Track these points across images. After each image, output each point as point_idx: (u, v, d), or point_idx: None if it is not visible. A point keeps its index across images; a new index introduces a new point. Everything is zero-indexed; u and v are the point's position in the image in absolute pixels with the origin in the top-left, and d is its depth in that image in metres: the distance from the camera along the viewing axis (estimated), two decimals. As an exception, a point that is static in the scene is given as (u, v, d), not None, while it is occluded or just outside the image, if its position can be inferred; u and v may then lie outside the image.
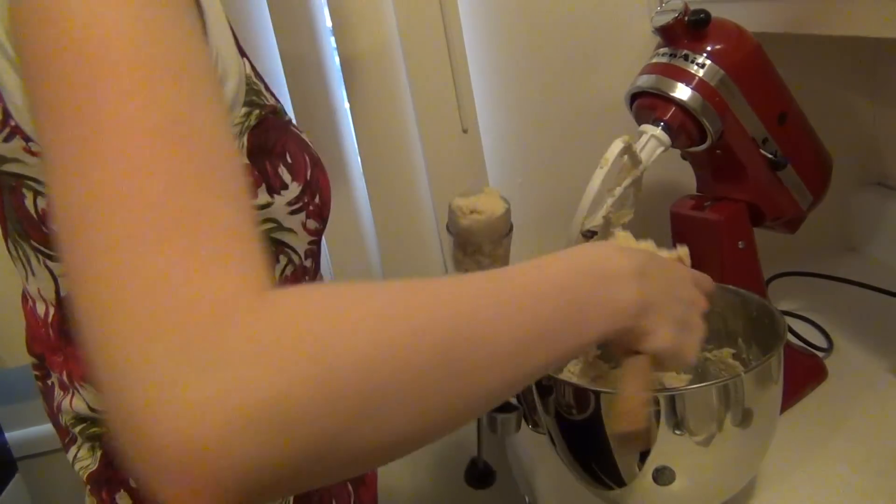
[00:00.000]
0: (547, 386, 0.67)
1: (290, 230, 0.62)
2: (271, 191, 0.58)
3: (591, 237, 0.76)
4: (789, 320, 0.96)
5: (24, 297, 0.62)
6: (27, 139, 0.50)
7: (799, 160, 0.83)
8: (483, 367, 0.39)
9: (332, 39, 1.07)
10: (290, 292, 0.35)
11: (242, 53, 0.59)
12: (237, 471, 0.30)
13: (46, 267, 0.57)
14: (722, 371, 0.75)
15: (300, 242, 0.64)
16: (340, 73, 1.08)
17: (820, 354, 0.91)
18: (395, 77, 1.07)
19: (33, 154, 0.51)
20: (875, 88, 1.16)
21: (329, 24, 1.07)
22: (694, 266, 0.86)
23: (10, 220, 0.57)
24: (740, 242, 0.83)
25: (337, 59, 1.09)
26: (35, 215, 0.54)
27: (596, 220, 0.74)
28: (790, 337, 0.92)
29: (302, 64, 1.06)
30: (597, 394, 0.62)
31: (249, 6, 1.06)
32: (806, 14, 0.74)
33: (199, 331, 0.31)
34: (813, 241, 1.05)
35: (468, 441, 0.74)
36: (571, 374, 0.76)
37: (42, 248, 0.56)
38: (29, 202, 0.54)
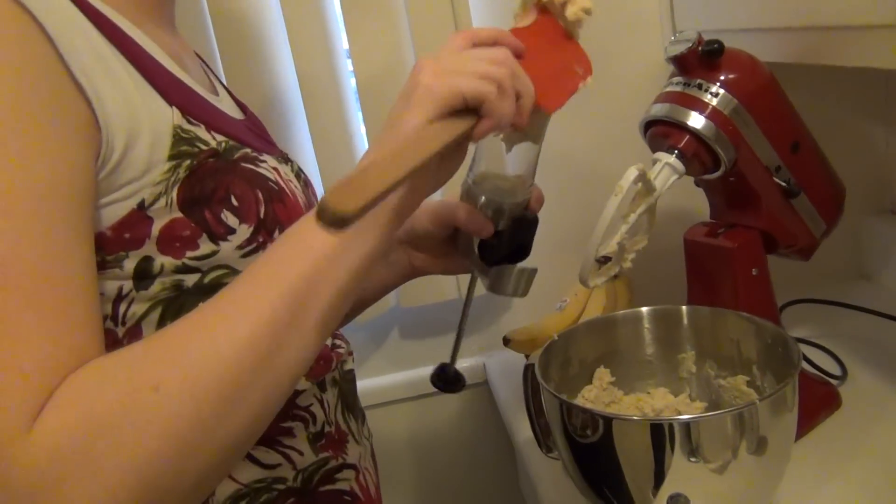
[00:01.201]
0: (561, 411, 0.67)
1: None
2: (215, 238, 0.56)
3: (606, 263, 0.77)
4: (803, 347, 0.96)
5: None
6: None
7: (812, 188, 0.83)
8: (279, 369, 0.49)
9: (349, 62, 1.09)
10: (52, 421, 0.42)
11: (171, 101, 0.57)
12: None
13: None
14: (736, 399, 0.76)
15: None
16: (357, 95, 1.10)
17: (834, 382, 0.90)
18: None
19: None
20: (888, 117, 1.17)
21: (346, 46, 1.09)
22: (708, 293, 0.87)
23: None
24: (754, 269, 0.83)
25: (353, 81, 1.10)
26: None
27: (611, 247, 0.75)
28: (804, 364, 0.92)
29: (319, 86, 1.08)
30: (609, 419, 0.62)
31: (267, 28, 1.08)
32: (817, 45, 0.75)
33: None
34: (826, 269, 1.06)
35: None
36: (585, 399, 0.76)
37: None
38: None
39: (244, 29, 1.06)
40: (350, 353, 0.75)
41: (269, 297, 0.49)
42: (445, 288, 1.16)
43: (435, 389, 0.69)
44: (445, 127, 0.53)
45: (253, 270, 0.51)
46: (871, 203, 1.20)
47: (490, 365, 1.21)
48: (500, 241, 0.67)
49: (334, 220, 0.43)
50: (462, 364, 1.21)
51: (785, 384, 0.63)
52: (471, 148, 0.61)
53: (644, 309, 0.82)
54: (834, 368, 0.94)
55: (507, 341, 1.07)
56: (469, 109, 0.54)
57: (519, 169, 0.69)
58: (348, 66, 1.10)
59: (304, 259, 0.51)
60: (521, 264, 0.68)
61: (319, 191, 1.04)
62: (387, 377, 1.24)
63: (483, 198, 0.66)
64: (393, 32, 1.07)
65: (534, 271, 0.68)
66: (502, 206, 0.66)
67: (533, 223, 0.69)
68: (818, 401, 0.85)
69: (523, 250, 0.69)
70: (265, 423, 0.50)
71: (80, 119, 0.48)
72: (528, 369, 0.74)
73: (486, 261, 0.68)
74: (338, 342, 0.73)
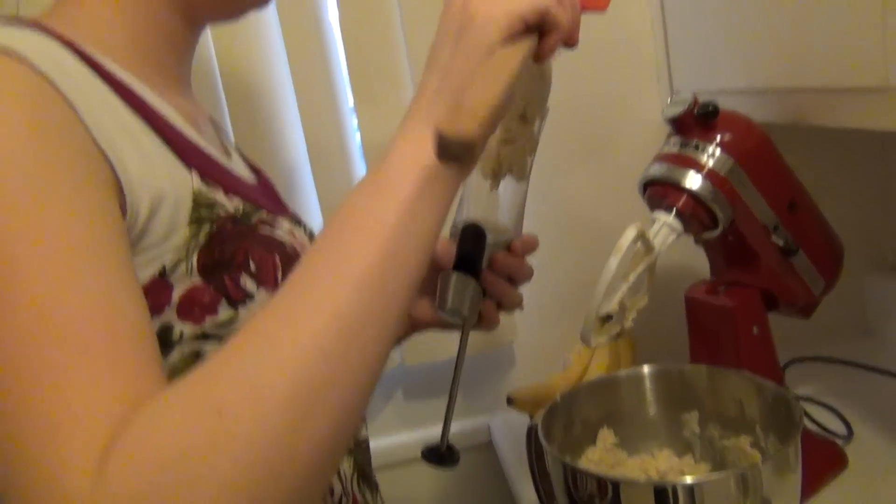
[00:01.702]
0: (565, 473, 0.67)
1: None
2: (234, 304, 0.56)
3: (608, 321, 0.77)
4: (807, 406, 0.95)
5: None
6: None
7: (810, 247, 0.84)
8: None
9: (355, 120, 1.11)
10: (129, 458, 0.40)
11: (190, 165, 0.57)
12: None
13: None
14: (740, 459, 0.75)
15: None
16: (362, 154, 1.12)
17: (839, 441, 0.90)
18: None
19: None
20: (884, 173, 1.18)
21: (351, 103, 1.12)
22: (710, 351, 0.87)
23: None
24: (755, 327, 0.83)
25: (358, 136, 1.13)
26: None
27: (612, 306, 0.75)
28: (808, 424, 0.91)
29: (326, 144, 1.10)
30: (615, 483, 0.62)
31: (276, 87, 1.11)
32: (811, 107, 0.77)
33: None
34: (828, 326, 1.05)
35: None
36: (590, 461, 0.76)
37: None
38: None
39: (253, 88, 1.09)
40: (363, 419, 0.74)
41: (335, 288, 0.44)
42: (450, 346, 1.16)
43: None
44: (516, 47, 0.50)
45: (310, 261, 0.47)
46: (871, 259, 1.20)
47: (494, 425, 1.20)
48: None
49: (462, 148, 0.42)
50: (466, 424, 1.21)
51: (787, 445, 0.62)
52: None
53: (646, 368, 0.82)
54: (839, 427, 0.93)
55: (510, 401, 1.07)
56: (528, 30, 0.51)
57: (507, 214, 0.69)
58: (353, 122, 1.12)
59: (372, 239, 0.46)
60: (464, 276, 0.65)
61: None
62: (390, 438, 1.23)
63: None
64: (397, 91, 1.10)
65: (478, 288, 0.65)
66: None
67: (481, 235, 0.66)
68: (824, 461, 0.84)
69: (471, 263, 0.66)
70: (352, 427, 0.46)
71: (107, 182, 0.48)
72: (532, 431, 0.74)
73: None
74: None
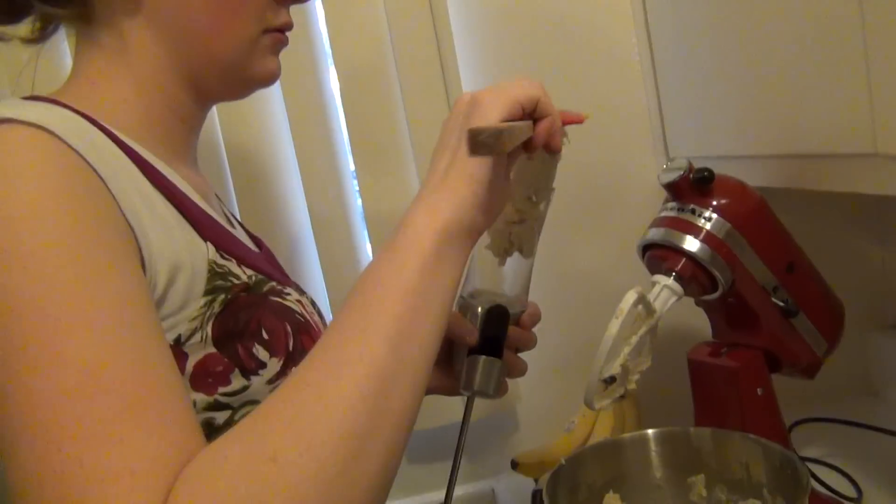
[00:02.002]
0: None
1: None
2: (247, 373, 0.57)
3: (611, 384, 0.77)
4: (815, 468, 0.94)
5: None
6: None
7: (810, 308, 0.85)
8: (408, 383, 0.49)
9: (355, 183, 1.14)
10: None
11: (205, 236, 0.59)
12: None
13: None
14: (749, 523, 0.74)
15: None
16: (364, 224, 1.14)
17: (849, 504, 0.89)
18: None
19: None
20: (882, 233, 1.20)
21: (352, 167, 1.14)
22: (715, 413, 0.87)
23: None
24: (759, 389, 0.84)
25: (359, 202, 1.15)
26: None
27: (614, 369, 0.76)
28: (818, 486, 0.90)
29: (328, 215, 1.12)
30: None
31: (278, 158, 1.13)
32: (802, 172, 0.78)
33: None
34: (833, 386, 1.05)
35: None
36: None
37: None
38: None
39: (257, 161, 1.12)
40: None
41: (368, 340, 0.48)
42: (453, 410, 1.16)
43: None
44: (514, 128, 0.56)
45: (342, 319, 0.50)
46: (873, 319, 1.20)
47: (499, 490, 1.18)
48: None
49: (491, 135, 0.50)
50: (470, 489, 1.19)
51: (795, 509, 0.62)
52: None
53: (650, 432, 0.82)
54: (848, 490, 0.92)
55: (515, 465, 1.06)
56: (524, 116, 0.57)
57: (513, 286, 0.71)
58: (355, 186, 1.15)
59: (396, 292, 0.50)
60: (491, 359, 0.67)
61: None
62: (394, 503, 1.22)
63: (479, 308, 0.68)
64: (398, 161, 1.12)
65: (504, 367, 0.68)
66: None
67: (504, 315, 0.69)
68: (834, 525, 0.83)
69: (496, 344, 0.68)
70: (394, 468, 0.48)
71: (133, 250, 0.50)
72: (537, 495, 0.74)
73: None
74: None
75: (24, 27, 0.64)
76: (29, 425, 0.42)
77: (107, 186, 0.50)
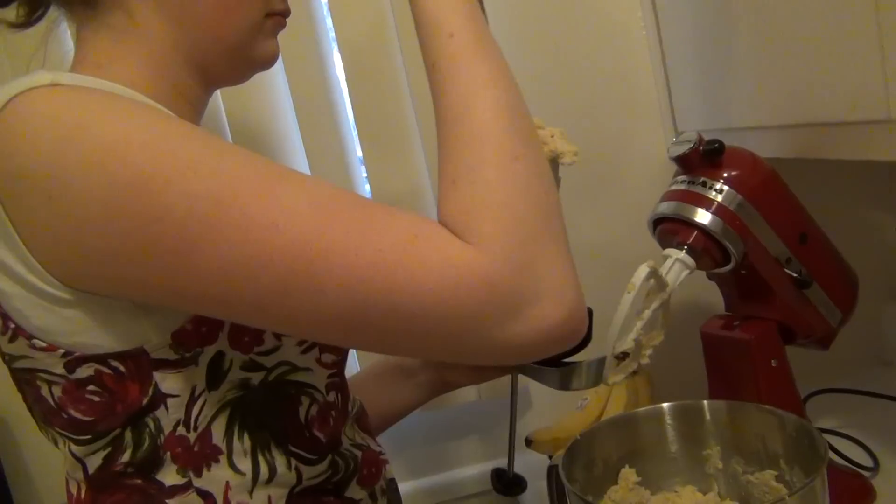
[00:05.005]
0: (588, 514, 0.66)
1: (307, 369, 0.63)
2: (279, 334, 0.60)
3: (624, 359, 0.77)
4: (831, 438, 0.94)
5: (66, 476, 0.63)
6: (30, 336, 0.54)
7: (824, 278, 0.84)
8: None
9: (364, 172, 1.13)
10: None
11: None
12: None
13: (70, 451, 0.58)
14: (766, 494, 0.74)
15: (319, 379, 0.64)
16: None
17: (866, 474, 0.88)
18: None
19: (37, 349, 0.54)
20: (895, 204, 1.18)
21: (359, 153, 1.14)
22: (729, 386, 0.87)
23: (35, 409, 0.60)
24: (773, 361, 0.83)
25: (368, 189, 1.14)
26: (53, 403, 0.56)
27: (627, 344, 0.75)
28: (834, 456, 0.90)
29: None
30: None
31: (284, 142, 1.13)
32: (814, 141, 0.78)
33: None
34: (847, 357, 1.05)
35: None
36: (612, 500, 0.75)
37: (65, 433, 0.58)
38: (45, 392, 0.56)
39: (263, 144, 1.11)
40: (387, 462, 0.75)
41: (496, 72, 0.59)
42: (464, 391, 1.16)
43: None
44: None
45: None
46: (887, 289, 1.20)
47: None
48: None
49: None
50: (484, 467, 1.20)
51: (813, 478, 0.62)
52: None
53: (665, 405, 0.82)
54: (865, 459, 0.92)
55: (529, 442, 1.06)
56: None
57: None
58: (363, 174, 1.14)
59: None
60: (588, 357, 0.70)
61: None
62: (408, 483, 1.22)
63: None
64: (405, 142, 1.12)
65: (603, 359, 0.71)
66: None
67: (588, 313, 0.69)
68: (851, 494, 0.83)
69: (587, 341, 0.69)
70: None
71: None
72: (553, 471, 0.74)
73: (548, 362, 0.69)
74: (380, 449, 0.73)
75: (10, 12, 0.64)
76: (323, 251, 0.46)
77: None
